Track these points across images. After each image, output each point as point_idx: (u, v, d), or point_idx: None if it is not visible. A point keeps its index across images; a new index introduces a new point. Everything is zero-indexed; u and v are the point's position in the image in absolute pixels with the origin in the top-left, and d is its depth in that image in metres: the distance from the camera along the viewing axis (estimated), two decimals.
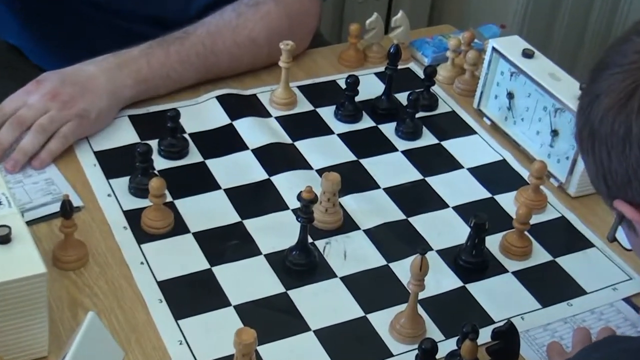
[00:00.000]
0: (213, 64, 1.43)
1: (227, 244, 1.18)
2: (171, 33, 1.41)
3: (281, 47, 1.36)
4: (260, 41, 1.45)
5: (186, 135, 1.35)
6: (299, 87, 1.48)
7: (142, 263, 1.14)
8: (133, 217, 1.20)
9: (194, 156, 1.32)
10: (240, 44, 1.44)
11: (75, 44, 1.53)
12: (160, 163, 1.29)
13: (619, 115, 0.84)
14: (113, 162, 1.29)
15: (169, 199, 1.22)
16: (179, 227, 1.19)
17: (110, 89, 1.33)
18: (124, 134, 1.34)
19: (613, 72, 0.86)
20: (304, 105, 1.45)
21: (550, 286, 1.18)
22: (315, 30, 1.57)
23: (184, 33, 1.41)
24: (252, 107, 1.43)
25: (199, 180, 1.28)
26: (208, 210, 1.23)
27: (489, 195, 1.31)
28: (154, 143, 1.29)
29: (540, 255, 1.22)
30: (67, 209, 1.09)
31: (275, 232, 1.20)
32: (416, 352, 1.01)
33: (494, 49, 1.40)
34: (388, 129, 1.42)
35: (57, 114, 1.27)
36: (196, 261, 1.15)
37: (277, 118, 1.41)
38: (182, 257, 1.16)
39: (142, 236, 1.18)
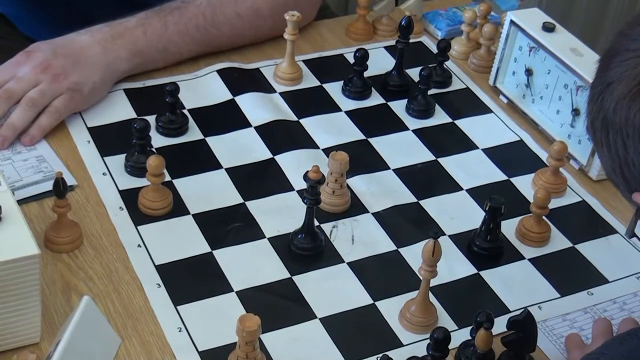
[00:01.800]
0: (214, 36, 1.42)
1: (228, 226, 1.18)
2: (169, 2, 1.41)
3: (286, 18, 1.35)
4: (264, 12, 1.45)
5: (185, 111, 1.35)
6: (305, 62, 1.48)
7: (139, 246, 1.14)
8: (130, 197, 1.20)
9: (194, 133, 1.32)
10: (243, 15, 1.44)
11: (67, 12, 1.52)
12: (158, 140, 1.29)
13: (633, 103, 0.84)
14: (108, 139, 1.29)
15: (167, 178, 1.22)
16: (178, 208, 1.19)
17: (105, 61, 1.33)
18: (119, 109, 1.34)
19: (625, 58, 0.86)
20: (310, 81, 1.45)
21: (570, 274, 1.18)
22: (321, 1, 1.56)
23: (182, 3, 1.41)
24: (255, 82, 1.42)
25: (199, 159, 1.28)
26: (209, 191, 1.23)
27: (505, 177, 1.31)
28: (151, 119, 1.29)
29: (559, 242, 1.22)
30: (60, 188, 1.09)
31: (279, 214, 1.20)
32: (428, 342, 1.01)
33: (511, 22, 1.40)
34: (398, 107, 1.42)
35: (48, 87, 1.26)
36: (196, 244, 1.15)
37: (281, 94, 1.41)
38: (181, 239, 1.16)
39: (139, 217, 1.18)
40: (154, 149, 1.25)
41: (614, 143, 0.87)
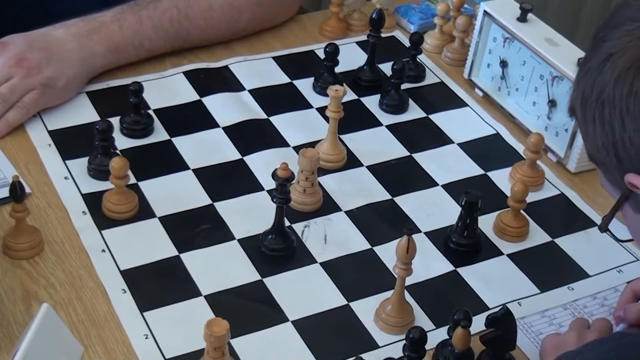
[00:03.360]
0: (186, 30, 1.42)
1: (196, 229, 1.17)
2: None
3: (329, 94, 1.25)
4: (240, 5, 1.44)
5: (150, 112, 1.34)
6: (275, 58, 1.48)
7: (103, 251, 1.13)
8: (93, 201, 1.18)
9: (160, 134, 1.31)
10: (217, 7, 1.43)
11: (39, 5, 1.49)
12: (122, 142, 1.28)
13: (638, 74, 0.82)
14: (70, 142, 1.27)
15: (132, 180, 1.21)
16: (143, 211, 1.18)
17: (80, 57, 1.32)
18: (81, 112, 1.32)
19: (629, 28, 0.83)
20: (280, 78, 1.44)
21: (549, 269, 1.17)
22: None
23: None
24: (223, 82, 1.42)
25: (165, 160, 1.27)
26: (175, 193, 1.22)
27: (481, 172, 1.31)
28: (115, 120, 1.28)
29: (537, 236, 1.21)
30: (17, 192, 1.07)
31: (249, 215, 1.19)
32: (404, 342, 1.00)
33: (485, 12, 1.40)
34: (371, 102, 1.41)
35: (19, 82, 1.25)
36: (163, 248, 1.14)
37: (251, 91, 1.41)
38: (147, 243, 1.15)
39: (103, 221, 1.16)
40: (117, 151, 1.24)
41: (610, 119, 0.84)
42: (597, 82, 0.85)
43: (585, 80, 0.87)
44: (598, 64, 0.85)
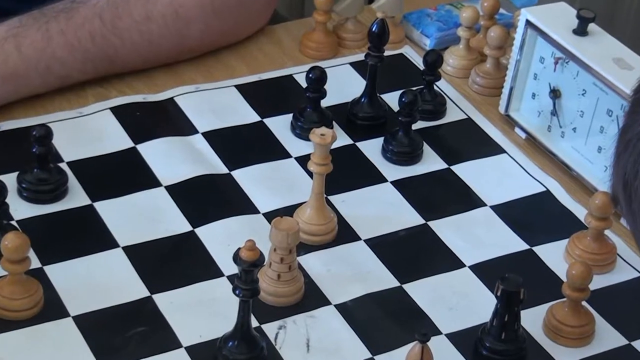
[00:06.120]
0: (114, 49, 1.43)
1: (128, 332, 1.16)
2: (52, 3, 1.41)
3: (312, 140, 1.25)
4: (189, 13, 1.46)
5: (63, 166, 1.33)
6: (238, 87, 1.49)
7: None
8: None
9: (76, 197, 1.31)
10: (158, 17, 1.45)
11: None
12: (21, 209, 1.27)
13: None
14: None
15: (35, 264, 1.19)
16: (50, 309, 1.17)
17: None
18: None
19: None
20: (246, 115, 1.46)
21: None
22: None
23: (72, 2, 1.42)
24: (166, 121, 1.43)
25: (83, 235, 1.27)
26: (98, 281, 1.21)
27: (525, 246, 1.31)
28: (10, 178, 1.28)
29: (607, 338, 1.21)
30: None
31: (201, 312, 1.19)
32: None
33: (528, 23, 1.39)
34: (371, 148, 1.42)
35: None
36: None
37: (205, 134, 1.41)
38: (56, 354, 1.13)
39: None
40: (13, 222, 1.24)
41: None
42: None
43: (626, 156, 0.85)
44: None
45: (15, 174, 1.29)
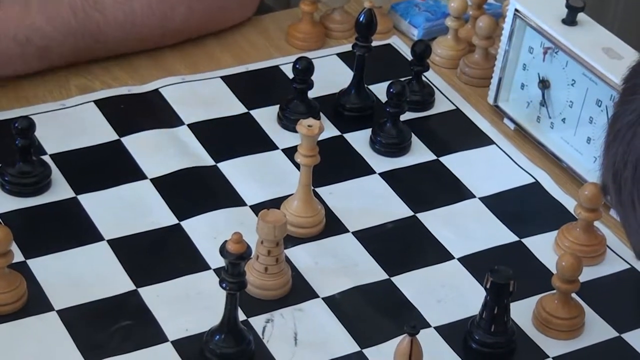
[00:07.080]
0: (97, 25, 1.43)
1: (112, 326, 1.16)
2: None
3: (299, 131, 1.25)
4: None
5: (46, 158, 1.33)
6: (224, 79, 1.50)
7: None
8: None
9: (60, 190, 1.31)
10: None
11: None
12: (3, 202, 1.28)
13: None
14: None
15: (18, 258, 1.19)
16: (34, 303, 1.17)
17: None
18: None
19: None
20: (232, 106, 1.46)
21: None
22: None
23: None
24: (151, 113, 1.43)
25: (67, 228, 1.27)
26: (83, 275, 1.21)
27: (515, 238, 1.31)
28: None
29: (597, 330, 1.21)
30: None
31: (187, 305, 1.19)
32: None
33: (517, 13, 1.39)
34: (359, 139, 1.42)
35: None
36: (64, 355, 1.13)
37: (191, 126, 1.41)
38: (39, 349, 1.13)
39: None
40: None
41: None
42: (631, 149, 0.83)
43: (616, 146, 0.85)
44: (631, 122, 0.84)
45: None
